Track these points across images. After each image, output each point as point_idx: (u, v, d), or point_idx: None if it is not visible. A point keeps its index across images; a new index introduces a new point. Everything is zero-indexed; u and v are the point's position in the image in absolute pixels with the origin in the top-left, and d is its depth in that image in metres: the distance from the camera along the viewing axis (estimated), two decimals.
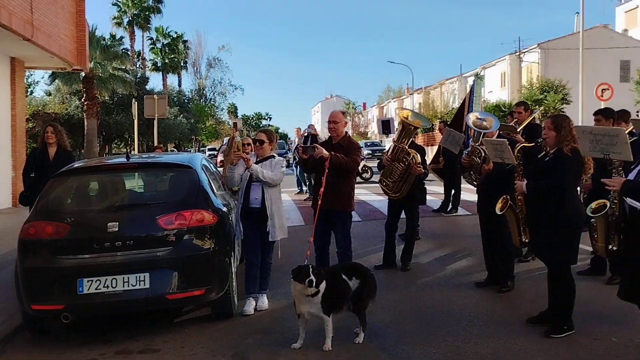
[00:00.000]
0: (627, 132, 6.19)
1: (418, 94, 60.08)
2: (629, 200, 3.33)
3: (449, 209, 12.01)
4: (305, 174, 15.00)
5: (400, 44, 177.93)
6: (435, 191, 13.87)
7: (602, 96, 19.90)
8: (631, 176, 3.53)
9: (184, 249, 5.06)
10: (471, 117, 6.36)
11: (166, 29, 59.42)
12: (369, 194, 15.11)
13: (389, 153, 7.27)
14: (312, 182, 11.70)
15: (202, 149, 59.93)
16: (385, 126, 16.11)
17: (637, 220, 3.38)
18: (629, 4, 43.54)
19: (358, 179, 17.99)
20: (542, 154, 5.11)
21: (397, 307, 5.87)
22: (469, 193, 10.81)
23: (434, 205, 12.37)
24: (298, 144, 15.59)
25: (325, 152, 5.99)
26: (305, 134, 14.62)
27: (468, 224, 10.32)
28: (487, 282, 6.43)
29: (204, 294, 5.15)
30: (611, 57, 38.46)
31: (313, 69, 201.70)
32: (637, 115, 19.50)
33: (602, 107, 7.91)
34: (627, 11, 43.86)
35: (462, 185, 11.46)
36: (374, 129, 68.34)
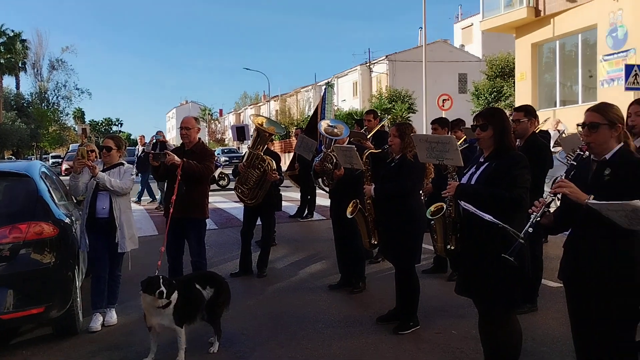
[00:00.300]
0: (462, 140, 6.74)
1: (275, 101, 60.70)
2: (461, 202, 3.59)
3: (305, 214, 12.23)
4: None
5: (256, 51, 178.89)
6: (292, 197, 14.06)
7: (443, 106, 21.47)
8: (464, 180, 3.83)
9: (20, 264, 4.65)
10: (323, 125, 6.55)
11: (1, 27, 54.53)
12: (226, 202, 14.97)
13: (244, 160, 7.25)
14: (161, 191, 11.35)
15: (44, 156, 55.78)
16: (240, 133, 16.04)
17: (469, 221, 3.67)
18: (465, 22, 47.44)
19: (214, 186, 17.81)
20: (389, 159, 5.39)
21: (254, 313, 5.85)
22: (324, 198, 11.10)
23: (291, 211, 12.55)
24: (143, 152, 15.14)
25: (177, 159, 5.83)
26: (154, 141, 14.18)
27: (323, 228, 10.59)
28: (340, 284, 6.63)
29: (44, 312, 4.76)
30: (451, 70, 41.64)
31: (167, 74, 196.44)
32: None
33: (443, 116, 8.52)
34: (463, 28, 47.76)
35: (317, 191, 11.74)
36: (231, 135, 67.90)
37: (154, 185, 15.38)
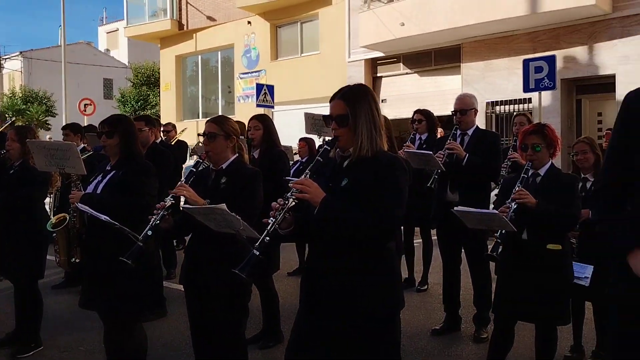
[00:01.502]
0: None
1: None
2: (79, 204, 3.40)
3: None
4: None
5: None
6: None
7: (85, 111, 20.45)
8: (89, 189, 3.65)
9: None
10: None
11: None
12: None
13: None
14: None
15: None
16: None
17: (91, 229, 3.55)
18: (110, 26, 46.28)
19: None
20: (7, 166, 4.85)
21: None
22: None
23: None
24: None
25: None
26: None
27: None
28: None
29: None
30: (96, 74, 40.11)
31: None
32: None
33: (85, 121, 8.09)
34: (108, 32, 46.55)
35: None
36: None
37: None
